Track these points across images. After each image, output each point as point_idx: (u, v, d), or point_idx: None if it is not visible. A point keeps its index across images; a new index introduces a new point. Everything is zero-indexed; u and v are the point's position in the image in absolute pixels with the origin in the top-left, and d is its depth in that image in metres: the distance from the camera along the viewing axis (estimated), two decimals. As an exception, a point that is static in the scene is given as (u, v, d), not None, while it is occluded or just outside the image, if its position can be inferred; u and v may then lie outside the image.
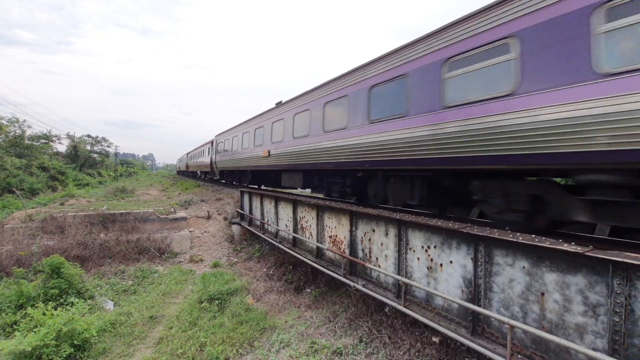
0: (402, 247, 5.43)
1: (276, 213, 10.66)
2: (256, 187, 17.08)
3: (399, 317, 6.52)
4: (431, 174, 6.44)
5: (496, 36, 4.63)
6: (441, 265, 4.72)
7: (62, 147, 49.05)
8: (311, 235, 8.36)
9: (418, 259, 5.12)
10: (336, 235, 7.28)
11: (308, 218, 8.54)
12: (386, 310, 6.89)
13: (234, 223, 14.83)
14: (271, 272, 10.79)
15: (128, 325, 7.92)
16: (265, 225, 11.64)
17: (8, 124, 33.81)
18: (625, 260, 2.82)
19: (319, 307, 8.17)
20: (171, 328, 7.75)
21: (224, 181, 23.75)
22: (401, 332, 6.24)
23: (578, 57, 3.74)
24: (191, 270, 11.80)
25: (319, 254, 8.06)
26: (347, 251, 6.83)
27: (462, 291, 4.40)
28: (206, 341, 7.02)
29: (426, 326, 5.39)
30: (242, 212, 14.55)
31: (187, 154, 39.68)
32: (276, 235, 10.70)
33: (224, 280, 10.16)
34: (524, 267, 3.67)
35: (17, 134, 34.19)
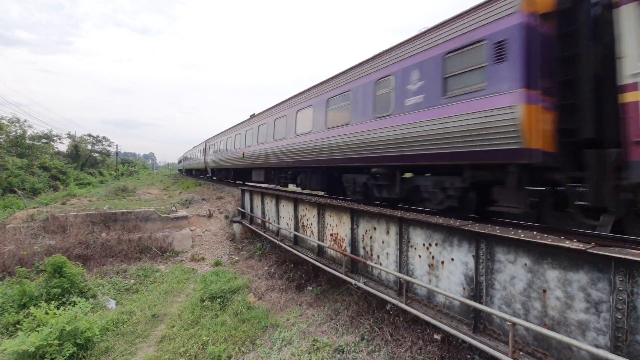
0: (403, 245, 5.42)
1: (277, 211, 10.66)
2: (256, 185, 17.19)
3: (401, 314, 6.52)
4: None
5: None
6: (442, 262, 4.72)
7: (63, 146, 49.10)
8: (312, 233, 8.35)
9: (419, 256, 5.12)
10: (337, 234, 7.28)
11: (309, 216, 8.53)
12: (388, 307, 6.89)
13: (235, 221, 14.84)
14: (272, 270, 10.80)
15: (130, 324, 7.95)
16: (267, 224, 11.65)
17: (9, 123, 33.81)
18: (627, 257, 2.81)
19: (321, 305, 8.18)
20: (173, 327, 7.78)
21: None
22: (403, 329, 6.24)
23: None
24: (193, 269, 11.83)
25: (320, 252, 8.06)
26: (348, 249, 6.83)
27: (464, 288, 4.40)
28: (208, 339, 7.05)
29: (428, 323, 5.38)
30: (243, 210, 14.56)
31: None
32: (277, 233, 10.71)
33: (226, 279, 10.18)
34: (525, 264, 3.66)
35: (18, 134, 34.18)
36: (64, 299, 8.42)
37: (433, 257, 4.87)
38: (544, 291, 3.48)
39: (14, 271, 9.40)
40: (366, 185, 8.03)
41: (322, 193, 11.07)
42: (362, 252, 6.51)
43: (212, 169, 25.53)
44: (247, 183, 19.45)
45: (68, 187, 28.11)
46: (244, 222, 14.26)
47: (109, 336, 7.44)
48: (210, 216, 16.04)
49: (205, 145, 26.21)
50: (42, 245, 10.77)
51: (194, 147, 35.79)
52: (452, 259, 4.56)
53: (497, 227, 4.16)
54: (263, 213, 12.04)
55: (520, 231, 3.87)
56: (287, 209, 9.95)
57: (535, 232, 3.79)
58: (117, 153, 64.51)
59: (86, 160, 51.50)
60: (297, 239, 9.32)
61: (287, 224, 9.92)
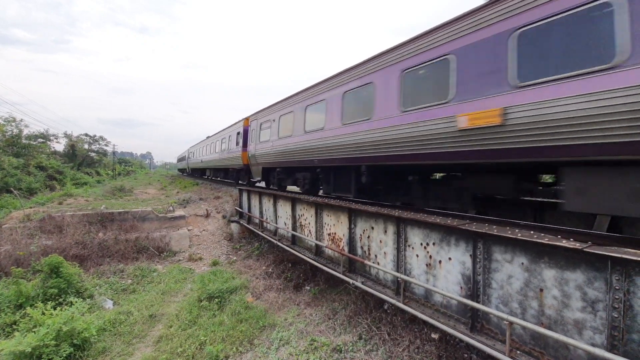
0: (401, 244, 5.43)
1: (275, 211, 10.64)
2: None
3: (398, 314, 6.54)
4: None
5: None
6: (440, 262, 4.72)
7: (59, 146, 48.74)
8: (310, 233, 8.35)
9: (417, 256, 5.12)
10: (335, 233, 7.28)
11: (307, 216, 8.53)
12: (385, 307, 6.91)
13: (232, 221, 14.81)
14: (270, 270, 10.79)
15: (128, 324, 7.92)
16: (264, 224, 11.63)
17: (5, 123, 33.57)
18: (624, 256, 2.82)
19: (318, 305, 8.18)
20: (171, 327, 7.75)
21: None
22: (400, 328, 6.25)
23: None
24: (190, 269, 11.80)
25: (318, 251, 8.06)
26: (346, 249, 6.83)
27: (461, 288, 4.41)
28: (206, 339, 7.03)
29: (425, 323, 5.40)
30: (240, 210, 14.53)
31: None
32: (275, 233, 10.70)
33: (223, 279, 10.16)
34: (522, 263, 3.67)
35: (14, 133, 33.95)
36: (60, 299, 8.37)
37: (430, 257, 4.88)
38: (541, 290, 3.49)
39: (10, 271, 9.35)
40: None
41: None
42: (359, 251, 6.51)
43: (269, 168, 13.23)
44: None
45: (65, 187, 27.93)
46: (241, 222, 14.23)
47: (106, 336, 7.41)
48: (207, 216, 16.00)
49: (248, 127, 14.83)
50: (39, 245, 10.71)
51: (208, 137, 25.98)
52: (450, 259, 4.57)
53: (494, 227, 4.17)
54: (261, 213, 12.02)
55: (517, 230, 3.88)
56: (284, 209, 9.94)
57: (532, 232, 3.80)
58: (114, 152, 64.24)
59: (83, 159, 51.20)
60: (295, 239, 9.31)
61: (285, 224, 9.91)
